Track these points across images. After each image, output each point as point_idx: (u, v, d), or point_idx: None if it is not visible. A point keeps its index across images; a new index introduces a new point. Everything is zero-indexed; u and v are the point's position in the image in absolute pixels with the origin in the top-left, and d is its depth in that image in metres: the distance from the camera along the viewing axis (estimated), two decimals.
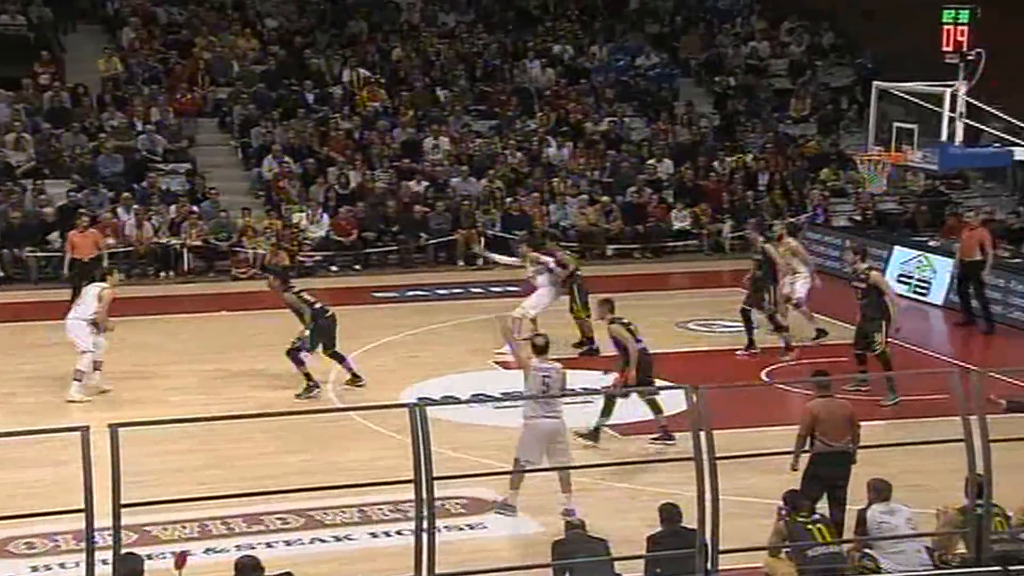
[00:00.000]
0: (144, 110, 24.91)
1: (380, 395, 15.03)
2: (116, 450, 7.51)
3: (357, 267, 22.92)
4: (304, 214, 23.04)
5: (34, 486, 11.84)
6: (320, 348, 15.28)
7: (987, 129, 16.57)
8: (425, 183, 24.46)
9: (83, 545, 7.71)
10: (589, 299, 16.52)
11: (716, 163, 25.93)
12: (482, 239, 23.31)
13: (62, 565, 10.56)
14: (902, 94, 15.74)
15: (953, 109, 14.94)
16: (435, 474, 8.00)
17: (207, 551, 10.84)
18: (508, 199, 24.04)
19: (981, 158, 17.48)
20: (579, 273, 17.29)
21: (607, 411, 13.30)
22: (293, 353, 15.05)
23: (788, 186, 25.47)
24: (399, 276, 22.38)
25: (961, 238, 19.24)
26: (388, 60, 27.60)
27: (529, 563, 9.75)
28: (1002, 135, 16.23)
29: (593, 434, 13.32)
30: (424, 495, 7.96)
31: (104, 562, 7.83)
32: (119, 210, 22.52)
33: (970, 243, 18.82)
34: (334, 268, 22.75)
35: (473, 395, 14.79)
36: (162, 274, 22.10)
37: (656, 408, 13.25)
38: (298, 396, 14.95)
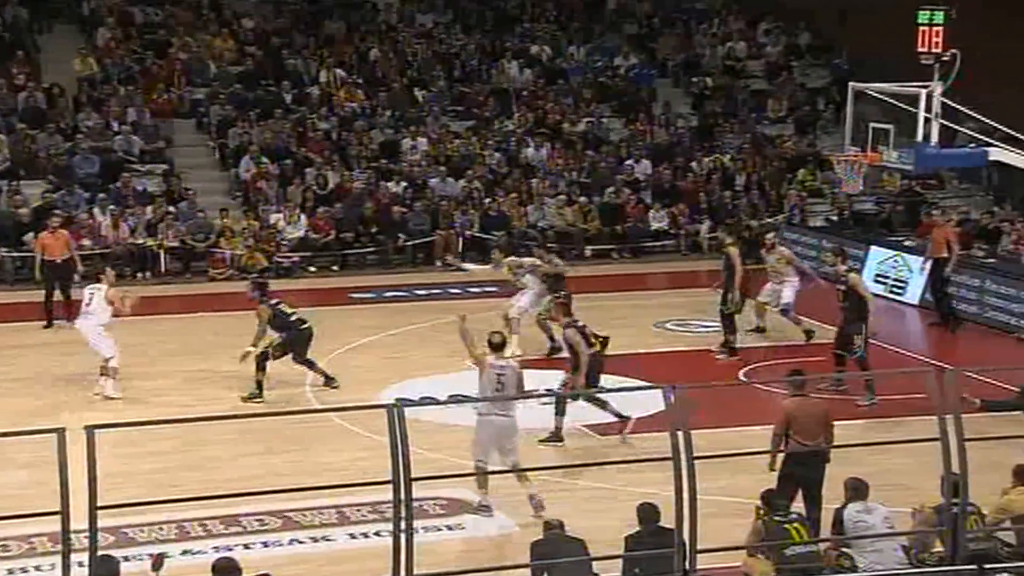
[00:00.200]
0: (120, 111, 24.81)
1: (358, 396, 15.02)
2: (92, 452, 7.48)
3: (335, 268, 22.89)
4: (281, 215, 22.99)
5: (9, 488, 11.77)
6: (290, 357, 15.21)
7: (962, 130, 16.68)
8: (403, 184, 24.44)
9: (59, 547, 7.66)
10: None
11: (694, 164, 26.00)
12: (460, 241, 23.31)
13: (38, 568, 10.50)
14: (878, 95, 15.83)
15: (928, 110, 15.04)
16: (413, 475, 7.99)
17: (184, 553, 10.81)
18: (486, 200, 24.05)
19: (956, 158, 17.63)
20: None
21: (560, 410, 13.44)
22: (260, 358, 14.98)
23: (765, 187, 25.56)
24: (377, 277, 22.36)
25: (930, 237, 19.43)
26: (366, 60, 27.56)
27: (507, 563, 9.74)
28: (977, 135, 16.35)
29: (555, 435, 13.39)
30: (402, 496, 7.96)
31: (80, 564, 7.80)
32: (95, 211, 22.43)
33: (938, 241, 18.99)
34: (312, 269, 22.70)
35: (451, 396, 14.78)
36: (139, 275, 22.02)
37: (601, 404, 13.50)
38: (244, 399, 14.87)
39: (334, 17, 28.60)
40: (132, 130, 24.45)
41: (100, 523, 7.61)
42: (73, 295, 18.61)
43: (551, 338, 16.75)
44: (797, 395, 11.13)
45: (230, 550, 10.34)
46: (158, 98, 25.55)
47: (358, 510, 11.59)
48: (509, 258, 17.67)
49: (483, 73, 27.94)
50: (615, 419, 13.60)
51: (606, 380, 15.48)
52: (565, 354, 14.35)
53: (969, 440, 8.60)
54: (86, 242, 21.52)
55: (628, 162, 25.78)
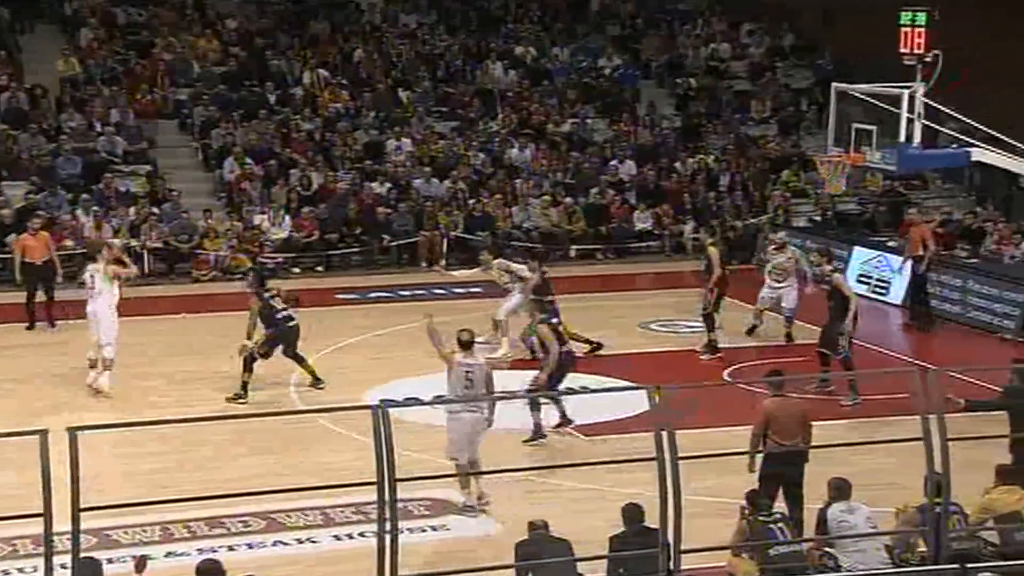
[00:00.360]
0: (103, 111, 24.72)
1: (343, 397, 15.00)
2: (75, 453, 7.46)
3: (319, 269, 22.85)
4: (265, 216, 22.94)
5: None
6: (279, 351, 15.20)
7: (944, 130, 16.74)
8: (388, 184, 24.41)
9: (42, 550, 7.63)
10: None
11: (678, 164, 26.03)
12: (444, 242, 23.30)
13: (21, 570, 10.47)
14: (861, 95, 15.87)
15: (911, 110, 15.08)
16: (398, 476, 7.99)
17: (168, 555, 10.80)
18: (471, 200, 24.04)
19: (939, 159, 17.68)
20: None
21: (535, 407, 13.48)
22: (248, 358, 14.97)
23: (749, 187, 25.61)
24: (362, 277, 22.33)
25: (908, 236, 19.56)
26: (350, 61, 27.53)
27: (492, 564, 9.74)
28: (959, 136, 16.41)
29: (536, 432, 13.41)
30: (387, 497, 7.95)
31: (63, 566, 7.77)
32: (78, 212, 22.36)
33: (915, 240, 19.09)
34: (296, 270, 22.66)
35: (436, 396, 14.76)
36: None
37: (555, 401, 13.60)
38: (228, 399, 14.86)
39: (318, 18, 28.55)
40: (115, 131, 24.37)
41: (83, 525, 7.58)
42: (57, 296, 18.66)
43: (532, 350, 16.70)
44: (777, 395, 11.16)
45: (214, 552, 10.31)
46: (141, 99, 25.48)
47: (343, 511, 11.58)
48: (498, 260, 17.64)
49: (467, 74, 27.92)
50: (559, 418, 13.68)
51: (591, 380, 15.52)
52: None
53: (952, 440, 8.62)
54: (69, 243, 21.44)
55: (612, 163, 25.80)
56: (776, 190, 25.27)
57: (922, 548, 9.32)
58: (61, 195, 22.73)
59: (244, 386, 14.92)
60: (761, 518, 9.42)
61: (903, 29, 15.27)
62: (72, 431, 7.53)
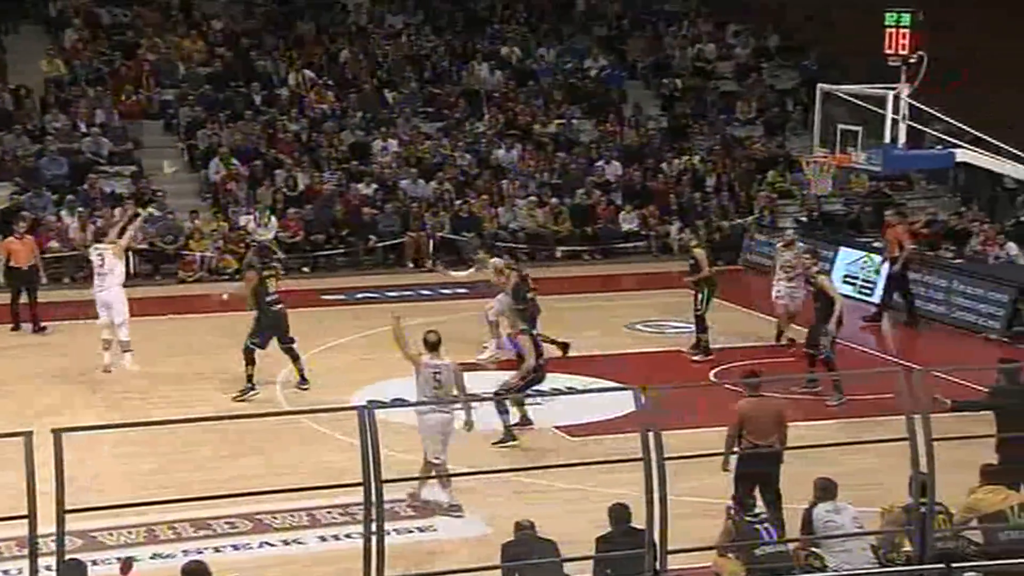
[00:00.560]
0: (88, 112, 24.65)
1: (330, 398, 14.99)
2: (60, 455, 7.43)
3: (305, 269, 22.82)
4: (251, 217, 22.90)
5: None
6: (275, 341, 15.19)
7: (929, 131, 16.78)
8: (374, 185, 24.40)
9: (27, 551, 7.60)
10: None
11: (664, 165, 26.07)
12: (431, 243, 23.28)
13: (6, 572, 10.42)
14: (846, 96, 15.90)
15: (896, 111, 15.11)
16: (385, 477, 7.98)
17: (154, 556, 10.76)
18: (457, 201, 24.04)
19: (924, 160, 17.70)
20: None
21: (502, 410, 13.50)
22: (248, 351, 14.99)
23: (735, 188, 25.65)
24: (348, 278, 22.31)
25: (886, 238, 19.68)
26: (336, 62, 27.50)
27: (479, 565, 9.74)
28: (944, 136, 16.45)
29: (507, 434, 13.43)
30: (374, 498, 7.94)
31: (48, 568, 7.75)
32: (63, 213, 22.29)
33: (891, 241, 19.23)
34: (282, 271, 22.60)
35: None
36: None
37: (522, 409, 13.57)
38: (234, 398, 14.88)
39: (304, 18, 28.51)
40: (100, 132, 24.31)
41: (69, 526, 7.56)
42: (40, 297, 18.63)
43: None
44: (753, 395, 11.19)
45: (200, 553, 10.29)
46: (126, 99, 25.41)
47: (329, 512, 11.56)
48: (494, 260, 17.60)
49: (453, 74, 27.92)
50: (519, 421, 13.74)
51: (576, 381, 15.54)
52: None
53: (937, 440, 8.65)
54: (54, 244, 21.38)
55: (599, 163, 25.82)
56: (762, 191, 25.32)
57: (907, 548, 9.35)
58: (46, 196, 22.66)
59: (250, 379, 14.99)
60: (747, 518, 9.43)
61: (888, 30, 15.30)
62: (57, 432, 7.51)
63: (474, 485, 11.84)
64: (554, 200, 24.49)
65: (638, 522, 8.85)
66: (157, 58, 26.52)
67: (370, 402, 13.48)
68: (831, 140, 16.00)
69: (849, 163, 16.14)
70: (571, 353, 16.53)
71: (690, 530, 9.28)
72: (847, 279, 20.82)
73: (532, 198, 24.45)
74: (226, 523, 11.38)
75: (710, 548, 9.38)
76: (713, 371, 16.40)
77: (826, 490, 9.76)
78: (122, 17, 27.79)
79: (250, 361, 15.04)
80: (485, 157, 25.63)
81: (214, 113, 25.24)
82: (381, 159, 25.09)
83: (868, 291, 20.73)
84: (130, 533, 11.10)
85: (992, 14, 23.56)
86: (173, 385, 15.69)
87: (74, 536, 10.12)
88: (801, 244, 18.36)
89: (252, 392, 14.98)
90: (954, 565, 8.96)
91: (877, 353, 17.85)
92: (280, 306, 15.28)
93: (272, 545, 11.18)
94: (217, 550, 10.88)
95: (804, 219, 24.63)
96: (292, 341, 15.34)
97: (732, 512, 9.59)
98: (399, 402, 14.47)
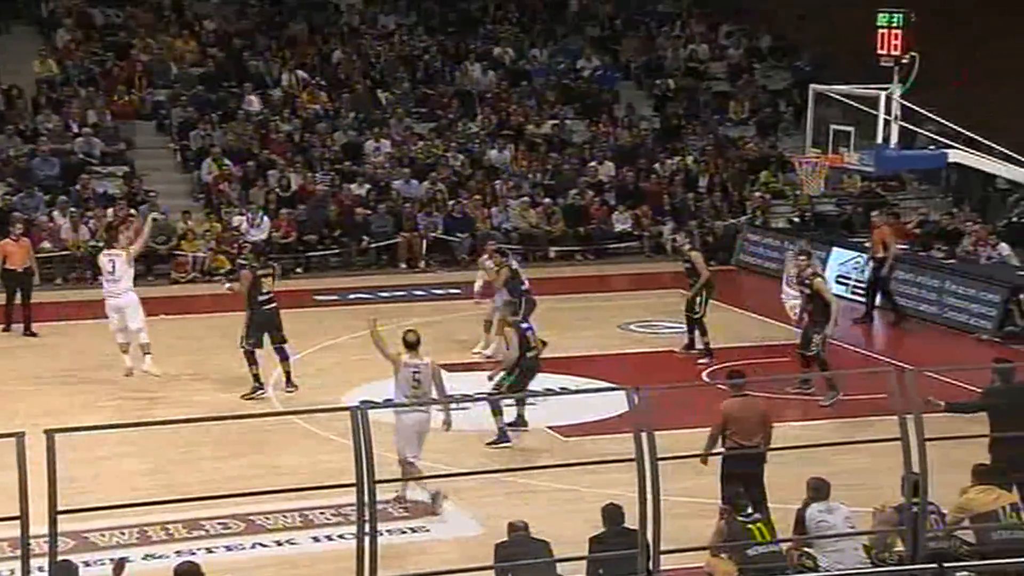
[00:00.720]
0: (80, 112, 24.61)
1: (323, 398, 14.98)
2: (52, 456, 7.43)
3: (298, 270, 22.79)
4: (244, 217, 22.87)
5: None
6: (267, 340, 15.17)
7: (921, 131, 16.82)
8: (367, 186, 24.38)
9: (19, 552, 7.59)
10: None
11: (657, 165, 26.08)
12: (424, 244, 23.27)
13: None
14: (839, 97, 15.93)
15: (888, 112, 15.14)
16: (377, 477, 7.98)
17: (147, 557, 10.75)
18: (450, 202, 24.03)
19: (916, 160, 17.74)
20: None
21: (497, 411, 13.46)
22: (249, 351, 14.99)
23: (728, 188, 25.68)
24: (341, 279, 22.29)
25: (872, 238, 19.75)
26: (328, 62, 27.48)
27: (472, 565, 9.74)
28: (936, 137, 16.49)
29: (501, 436, 13.42)
30: (366, 499, 7.94)
31: (40, 569, 7.73)
32: (55, 213, 22.25)
33: (876, 242, 19.31)
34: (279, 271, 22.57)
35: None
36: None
37: (496, 414, 13.48)
38: (244, 396, 14.90)
39: (296, 19, 28.50)
40: (93, 132, 24.26)
41: (61, 527, 7.55)
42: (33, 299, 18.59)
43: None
44: (738, 395, 11.20)
45: (193, 554, 10.28)
46: (119, 100, 25.37)
47: (322, 513, 11.56)
48: (486, 259, 17.53)
49: (446, 75, 27.92)
50: (515, 421, 13.73)
51: (570, 381, 15.54)
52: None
53: (929, 440, 8.67)
54: (46, 245, 21.34)
55: (591, 164, 25.82)
56: (755, 191, 25.35)
57: (900, 548, 9.37)
58: (38, 196, 22.62)
59: (256, 378, 15.01)
60: (740, 518, 9.44)
61: (880, 31, 15.33)
62: (49, 433, 7.50)
63: (468, 485, 11.84)
64: (547, 200, 24.49)
65: (631, 522, 8.86)
66: (150, 58, 26.48)
67: (363, 402, 13.45)
68: (823, 140, 16.03)
69: (841, 163, 16.18)
70: (566, 353, 16.48)
71: (683, 530, 9.30)
72: (840, 279, 20.85)
73: (525, 198, 24.45)
74: (219, 524, 11.37)
75: (703, 548, 9.39)
76: (706, 372, 16.40)
77: (819, 490, 9.77)
78: (114, 17, 27.75)
79: (252, 361, 15.05)
80: (478, 157, 25.62)
81: (206, 113, 25.21)
82: (374, 159, 25.08)
83: (861, 291, 20.75)
84: (123, 534, 11.08)
85: (992, 14, 23.59)
86: (171, 385, 15.66)
87: (67, 537, 10.10)
88: (795, 246, 18.36)
89: (261, 391, 15.00)
90: (946, 565, 8.98)
91: (869, 353, 17.86)
92: (272, 305, 15.27)
93: (265, 546, 11.17)
94: (210, 551, 10.86)
95: (796, 219, 24.68)
96: (284, 341, 15.32)
97: (725, 512, 9.60)
98: (392, 402, 14.48)
